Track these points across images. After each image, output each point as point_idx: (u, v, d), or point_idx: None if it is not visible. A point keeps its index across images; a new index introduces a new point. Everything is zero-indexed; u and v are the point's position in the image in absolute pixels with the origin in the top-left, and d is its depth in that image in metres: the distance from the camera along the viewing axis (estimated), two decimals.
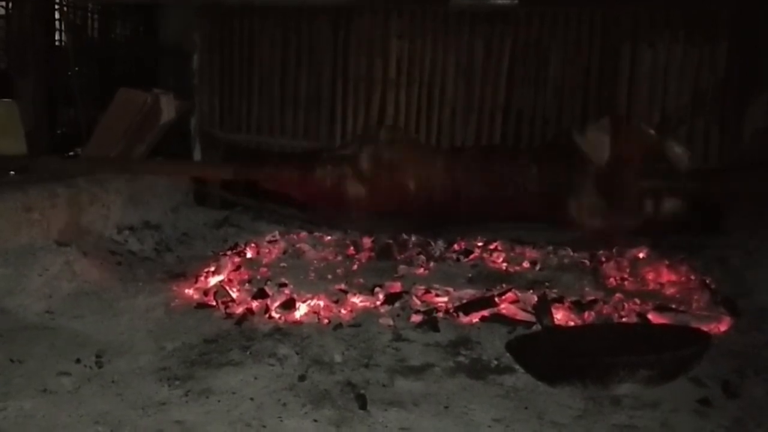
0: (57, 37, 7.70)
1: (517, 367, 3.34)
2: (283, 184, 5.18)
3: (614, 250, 5.20)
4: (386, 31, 6.26)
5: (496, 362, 3.42)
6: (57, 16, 7.66)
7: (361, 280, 4.53)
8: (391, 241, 5.40)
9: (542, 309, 3.91)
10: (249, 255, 5.15)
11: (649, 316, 3.93)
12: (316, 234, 5.66)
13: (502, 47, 6.15)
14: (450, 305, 4.08)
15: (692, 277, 4.71)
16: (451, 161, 5.19)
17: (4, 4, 7.57)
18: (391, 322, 3.85)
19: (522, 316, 3.92)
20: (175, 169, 5.77)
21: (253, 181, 5.68)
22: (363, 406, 2.98)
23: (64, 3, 7.85)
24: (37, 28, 6.72)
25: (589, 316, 3.97)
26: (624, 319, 3.92)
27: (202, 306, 4.14)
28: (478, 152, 5.44)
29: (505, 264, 5.06)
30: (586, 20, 6.03)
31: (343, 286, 4.38)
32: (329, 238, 5.57)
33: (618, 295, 4.24)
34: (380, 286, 4.34)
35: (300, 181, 5.07)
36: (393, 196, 5.01)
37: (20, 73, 6.67)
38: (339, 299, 4.17)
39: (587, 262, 5.08)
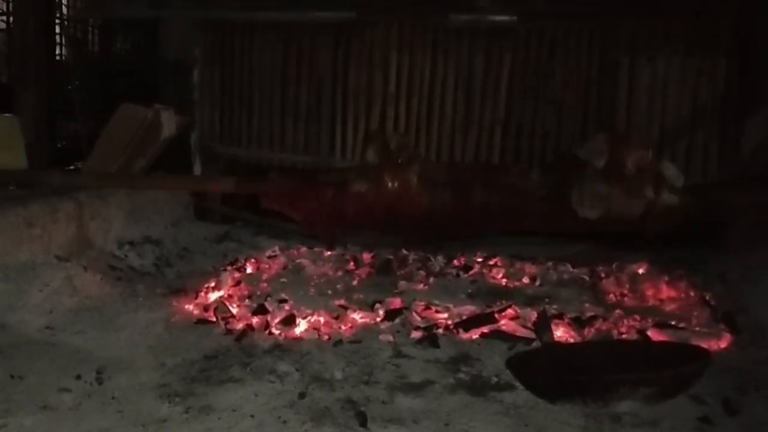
0: (58, 51, 7.74)
1: (517, 384, 3.33)
2: (284, 200, 5.12)
3: (614, 266, 5.21)
4: (386, 45, 6.28)
5: (496, 379, 3.42)
6: (58, 30, 7.70)
7: (361, 296, 4.53)
8: (391, 257, 5.41)
9: (542, 325, 3.91)
10: (249, 270, 5.16)
11: (649, 333, 3.93)
12: (316, 249, 5.66)
13: (501, 62, 6.17)
14: (450, 321, 4.09)
15: (692, 293, 4.71)
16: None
17: (5, 18, 7.62)
18: (391, 339, 3.84)
19: (522, 332, 3.92)
20: (175, 183, 5.75)
21: (254, 195, 5.64)
22: (363, 423, 2.97)
23: (65, 18, 7.89)
24: (39, 43, 6.76)
25: (588, 332, 3.97)
26: (624, 336, 3.92)
27: (202, 322, 4.14)
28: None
29: (504, 279, 5.06)
30: (586, 35, 6.05)
31: (343, 302, 4.38)
32: (329, 253, 5.57)
33: (618, 311, 4.25)
34: (380, 302, 4.34)
35: (301, 197, 5.02)
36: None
37: (21, 87, 6.70)
38: (339, 315, 4.17)
39: (587, 277, 5.08)
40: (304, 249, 5.68)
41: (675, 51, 5.90)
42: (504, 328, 3.99)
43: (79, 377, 3.36)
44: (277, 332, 3.95)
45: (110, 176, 5.55)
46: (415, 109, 6.29)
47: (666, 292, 4.79)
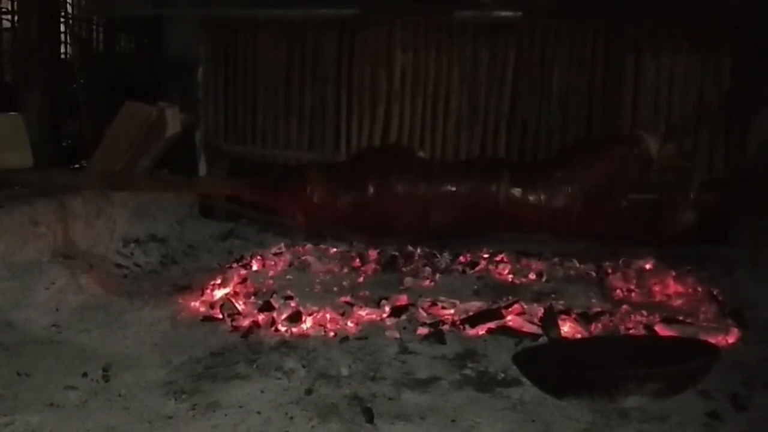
0: (62, 49, 7.73)
1: (524, 379, 3.32)
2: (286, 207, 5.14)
3: (620, 262, 5.20)
4: (390, 43, 6.26)
5: (502, 375, 3.41)
6: (63, 29, 7.69)
7: (367, 293, 4.53)
8: (396, 253, 5.40)
9: (549, 321, 3.91)
10: (255, 267, 5.16)
11: (656, 328, 3.92)
12: (322, 246, 5.66)
13: (506, 58, 6.15)
14: (456, 317, 4.08)
15: (699, 289, 4.70)
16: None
17: (10, 17, 7.62)
18: (397, 335, 3.84)
19: (528, 328, 3.91)
20: (182, 187, 5.77)
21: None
22: (370, 419, 2.97)
23: (70, 16, 7.88)
24: (43, 41, 6.75)
25: (595, 328, 3.96)
26: (631, 332, 3.91)
27: (208, 319, 4.15)
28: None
29: (511, 276, 5.05)
30: (590, 32, 6.03)
31: (349, 299, 4.38)
32: (335, 250, 5.57)
33: (625, 306, 4.24)
34: (386, 299, 4.35)
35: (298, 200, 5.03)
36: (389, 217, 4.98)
37: (26, 86, 6.69)
38: (345, 312, 4.17)
39: (593, 273, 5.07)
40: (309, 246, 5.67)
41: (680, 48, 5.88)
42: (510, 324, 3.98)
43: (85, 375, 3.36)
44: (283, 329, 3.96)
45: (112, 177, 5.54)
46: (420, 106, 6.27)
47: (673, 287, 4.78)
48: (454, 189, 4.92)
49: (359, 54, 6.33)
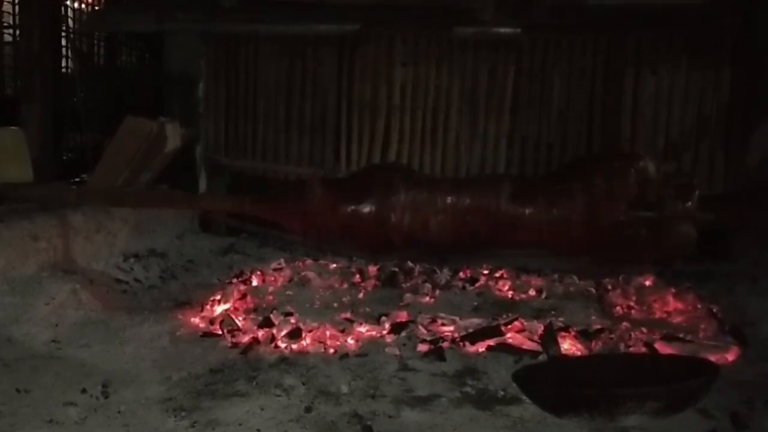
0: (64, 63, 7.75)
1: (523, 397, 3.31)
2: (286, 217, 5.16)
3: (620, 278, 5.20)
4: (391, 58, 6.29)
5: (502, 393, 3.41)
6: (64, 43, 7.71)
7: (367, 309, 4.52)
8: (396, 269, 5.40)
9: (548, 338, 3.90)
10: (255, 283, 5.15)
11: (656, 346, 3.92)
12: (322, 261, 5.65)
13: (506, 74, 6.18)
14: (456, 334, 4.07)
15: (699, 306, 4.69)
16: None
17: (11, 31, 7.64)
18: (397, 352, 3.84)
19: (528, 345, 3.91)
20: (181, 201, 5.78)
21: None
22: None
23: (71, 30, 7.90)
24: (44, 55, 6.78)
25: (595, 345, 3.95)
26: (631, 349, 3.91)
27: (207, 335, 4.14)
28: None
29: (510, 292, 5.05)
30: (589, 47, 6.07)
31: (349, 315, 4.37)
32: (335, 265, 5.56)
33: (624, 324, 4.23)
34: (386, 315, 4.34)
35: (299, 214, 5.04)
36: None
37: (27, 99, 6.72)
38: (345, 328, 4.16)
39: (593, 290, 5.06)
40: (309, 261, 5.66)
41: (679, 62, 5.92)
42: (510, 341, 3.98)
43: (84, 391, 3.36)
44: (283, 345, 3.94)
45: (112, 192, 5.56)
46: (419, 121, 6.29)
47: (673, 304, 4.77)
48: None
49: (359, 69, 6.36)
